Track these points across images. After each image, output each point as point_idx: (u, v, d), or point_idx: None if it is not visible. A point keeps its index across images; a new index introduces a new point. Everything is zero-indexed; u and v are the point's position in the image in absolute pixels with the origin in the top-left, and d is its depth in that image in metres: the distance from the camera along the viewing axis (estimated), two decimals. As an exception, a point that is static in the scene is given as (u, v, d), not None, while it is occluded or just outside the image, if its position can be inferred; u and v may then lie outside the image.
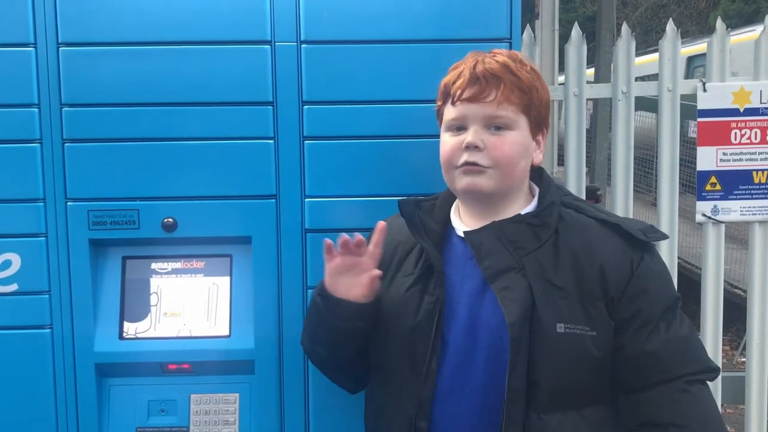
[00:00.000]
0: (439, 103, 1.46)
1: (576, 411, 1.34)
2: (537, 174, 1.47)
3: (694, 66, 9.55)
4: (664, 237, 1.44)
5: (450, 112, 1.40)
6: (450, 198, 1.51)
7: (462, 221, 1.46)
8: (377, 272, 1.44)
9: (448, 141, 1.40)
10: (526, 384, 1.31)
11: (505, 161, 1.36)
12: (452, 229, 1.47)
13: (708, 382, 1.35)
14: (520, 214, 1.41)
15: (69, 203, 1.75)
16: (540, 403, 1.31)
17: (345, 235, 1.42)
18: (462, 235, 1.43)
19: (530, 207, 1.43)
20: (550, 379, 1.31)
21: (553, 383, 1.31)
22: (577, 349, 1.31)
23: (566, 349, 1.31)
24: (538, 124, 1.42)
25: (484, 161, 1.36)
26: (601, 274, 1.34)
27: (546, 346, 1.31)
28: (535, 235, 1.37)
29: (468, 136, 1.36)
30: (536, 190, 1.47)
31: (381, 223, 1.44)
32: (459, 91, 1.37)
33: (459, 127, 1.39)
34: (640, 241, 1.37)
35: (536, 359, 1.31)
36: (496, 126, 1.37)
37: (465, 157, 1.36)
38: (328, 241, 1.44)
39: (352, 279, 1.44)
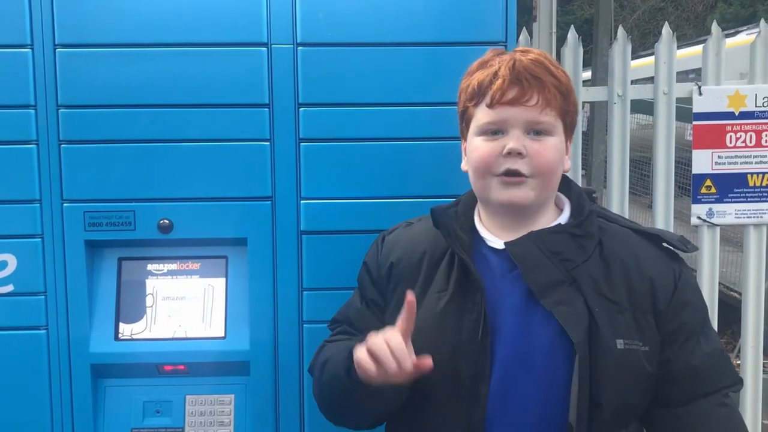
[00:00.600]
0: (469, 103, 1.32)
1: (625, 428, 1.30)
2: (564, 182, 1.40)
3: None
4: (696, 248, 1.41)
5: (485, 115, 1.29)
6: (471, 204, 1.40)
7: (489, 231, 1.36)
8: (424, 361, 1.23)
9: (482, 146, 1.29)
10: (590, 404, 1.24)
11: (547, 168, 1.28)
12: (480, 239, 1.36)
13: None
14: (560, 224, 1.33)
15: (65, 204, 1.75)
16: (603, 423, 1.25)
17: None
18: (495, 246, 1.33)
19: (564, 216, 1.36)
20: (613, 397, 1.25)
21: (616, 402, 1.26)
22: (635, 366, 1.26)
23: (626, 366, 1.26)
24: (571, 129, 1.35)
25: (526, 169, 1.27)
26: (651, 287, 1.29)
27: (608, 364, 1.24)
28: (579, 246, 1.30)
29: (510, 142, 1.26)
30: (563, 198, 1.40)
31: (411, 297, 1.23)
32: (499, 93, 1.26)
33: (495, 131, 1.29)
34: (677, 253, 1.35)
35: (599, 378, 1.24)
36: (536, 131, 1.28)
37: (507, 164, 1.26)
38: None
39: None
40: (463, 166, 1.39)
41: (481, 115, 1.30)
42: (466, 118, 1.36)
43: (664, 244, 1.35)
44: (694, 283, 1.36)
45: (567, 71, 2.50)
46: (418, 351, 1.26)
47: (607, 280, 1.29)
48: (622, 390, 1.26)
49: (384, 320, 1.40)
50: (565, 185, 1.40)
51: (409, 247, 1.41)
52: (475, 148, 1.31)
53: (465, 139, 1.38)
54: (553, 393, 1.26)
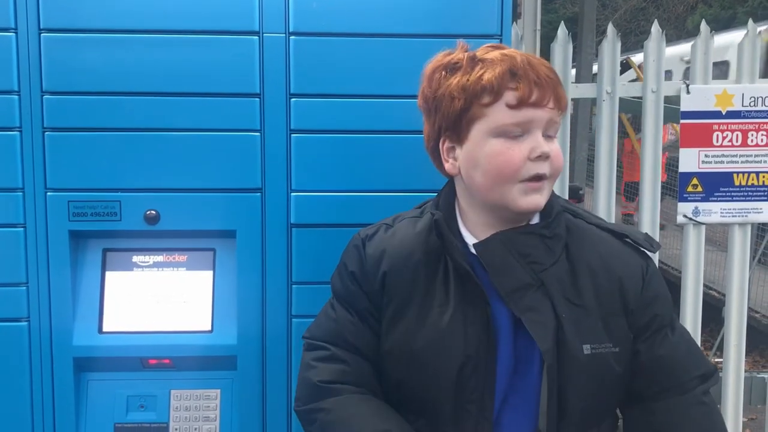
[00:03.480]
0: (477, 101, 1.21)
1: (596, 428, 1.30)
2: None
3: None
4: (660, 246, 1.41)
5: (508, 116, 1.20)
6: (453, 207, 1.34)
7: (471, 232, 1.31)
8: None
9: (508, 150, 1.21)
10: (558, 410, 1.24)
11: (560, 170, 1.25)
12: (464, 244, 1.30)
13: None
14: (530, 224, 1.29)
15: (49, 193, 1.71)
16: (571, 424, 1.25)
17: None
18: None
19: (535, 216, 1.31)
20: (579, 402, 1.24)
21: (583, 406, 1.25)
22: (602, 369, 1.25)
23: (593, 370, 1.24)
24: None
25: (548, 171, 1.23)
26: (620, 287, 1.28)
27: (574, 371, 1.23)
28: (547, 248, 1.26)
29: (540, 145, 1.21)
30: None
31: None
32: (526, 93, 1.19)
33: (517, 134, 1.22)
34: (642, 249, 1.34)
35: (565, 384, 1.23)
36: (548, 133, 1.24)
37: (536, 168, 1.21)
38: None
39: None
40: (451, 169, 1.29)
41: (502, 116, 1.21)
42: (467, 117, 1.23)
43: (630, 242, 1.34)
44: (659, 276, 1.36)
45: (556, 68, 2.53)
46: (426, 368, 1.26)
47: (574, 283, 1.26)
48: (587, 395, 1.25)
49: (379, 333, 1.33)
50: None
51: (400, 257, 1.32)
52: (498, 152, 1.21)
53: (453, 141, 1.28)
54: (526, 400, 1.26)
